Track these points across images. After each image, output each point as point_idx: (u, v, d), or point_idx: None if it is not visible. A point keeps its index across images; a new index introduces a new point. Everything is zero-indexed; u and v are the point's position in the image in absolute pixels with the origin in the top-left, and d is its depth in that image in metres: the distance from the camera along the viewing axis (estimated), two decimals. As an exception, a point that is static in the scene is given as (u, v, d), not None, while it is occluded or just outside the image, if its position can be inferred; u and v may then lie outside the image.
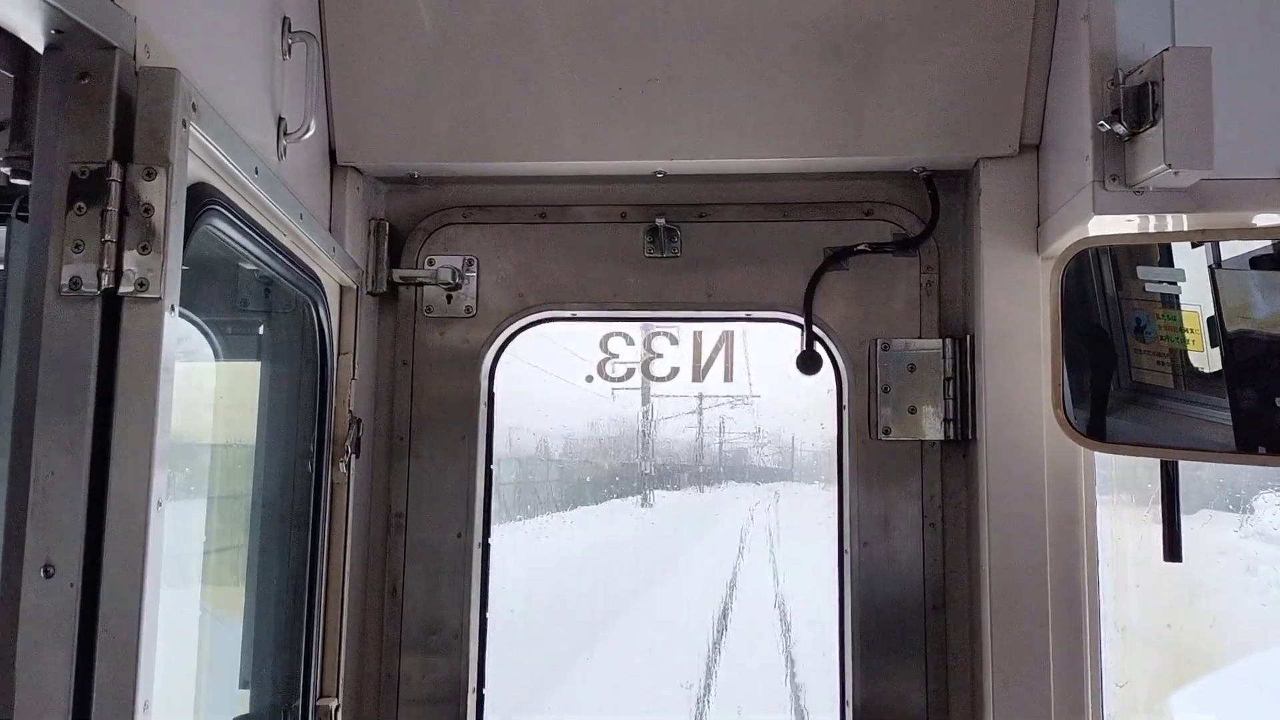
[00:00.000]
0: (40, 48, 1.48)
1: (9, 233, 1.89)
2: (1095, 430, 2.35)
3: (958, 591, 2.68)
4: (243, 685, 2.57)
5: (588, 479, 3.47)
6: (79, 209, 1.46)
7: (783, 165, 2.72)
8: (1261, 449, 2.30)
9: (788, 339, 2.82)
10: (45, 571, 1.42)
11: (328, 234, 2.49)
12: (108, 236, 1.46)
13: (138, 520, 1.45)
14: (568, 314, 2.90)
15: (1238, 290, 2.26)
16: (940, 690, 2.66)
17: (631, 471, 3.42)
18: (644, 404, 3.15)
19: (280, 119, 2.23)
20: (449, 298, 2.87)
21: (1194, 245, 2.27)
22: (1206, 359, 2.26)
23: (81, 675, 1.43)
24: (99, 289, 1.46)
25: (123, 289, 1.48)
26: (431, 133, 2.68)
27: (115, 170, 1.48)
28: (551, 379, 3.08)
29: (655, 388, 3.04)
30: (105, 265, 1.46)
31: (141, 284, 1.48)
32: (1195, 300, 2.28)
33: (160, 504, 1.48)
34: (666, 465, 3.48)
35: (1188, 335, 2.28)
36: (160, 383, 1.48)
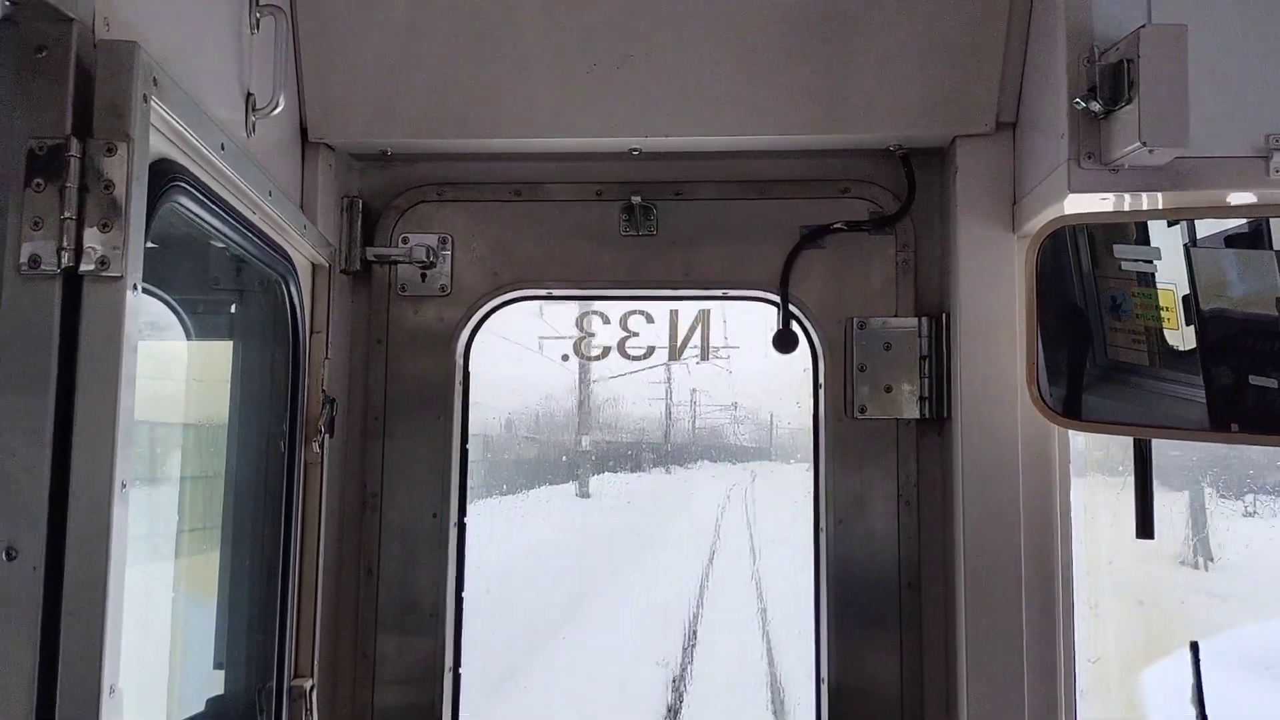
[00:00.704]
0: None
1: (-35, 210, 1.85)
2: (1069, 408, 2.35)
3: (932, 569, 2.69)
4: (216, 666, 2.56)
5: (563, 458, 3.47)
6: (37, 185, 1.43)
7: (759, 143, 2.70)
8: (1235, 426, 2.31)
9: (764, 317, 2.81)
10: (8, 554, 1.40)
11: (299, 211, 2.46)
12: (67, 214, 1.43)
13: (102, 502, 1.43)
14: (543, 292, 2.88)
15: (1213, 268, 2.26)
16: (915, 666, 2.67)
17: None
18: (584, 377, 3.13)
19: (249, 94, 2.19)
20: (423, 276, 2.84)
21: (1169, 224, 2.27)
22: (1181, 337, 2.27)
23: (46, 659, 1.41)
24: (59, 267, 1.44)
25: (83, 267, 1.45)
26: (405, 109, 2.65)
27: (74, 146, 1.45)
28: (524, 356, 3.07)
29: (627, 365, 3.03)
30: (65, 243, 1.43)
31: (103, 262, 1.45)
32: (1171, 278, 2.28)
33: (125, 485, 1.45)
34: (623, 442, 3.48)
35: (1163, 313, 2.29)
36: (123, 362, 1.46)
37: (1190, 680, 2.28)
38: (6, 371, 1.41)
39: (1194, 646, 2.33)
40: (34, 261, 1.43)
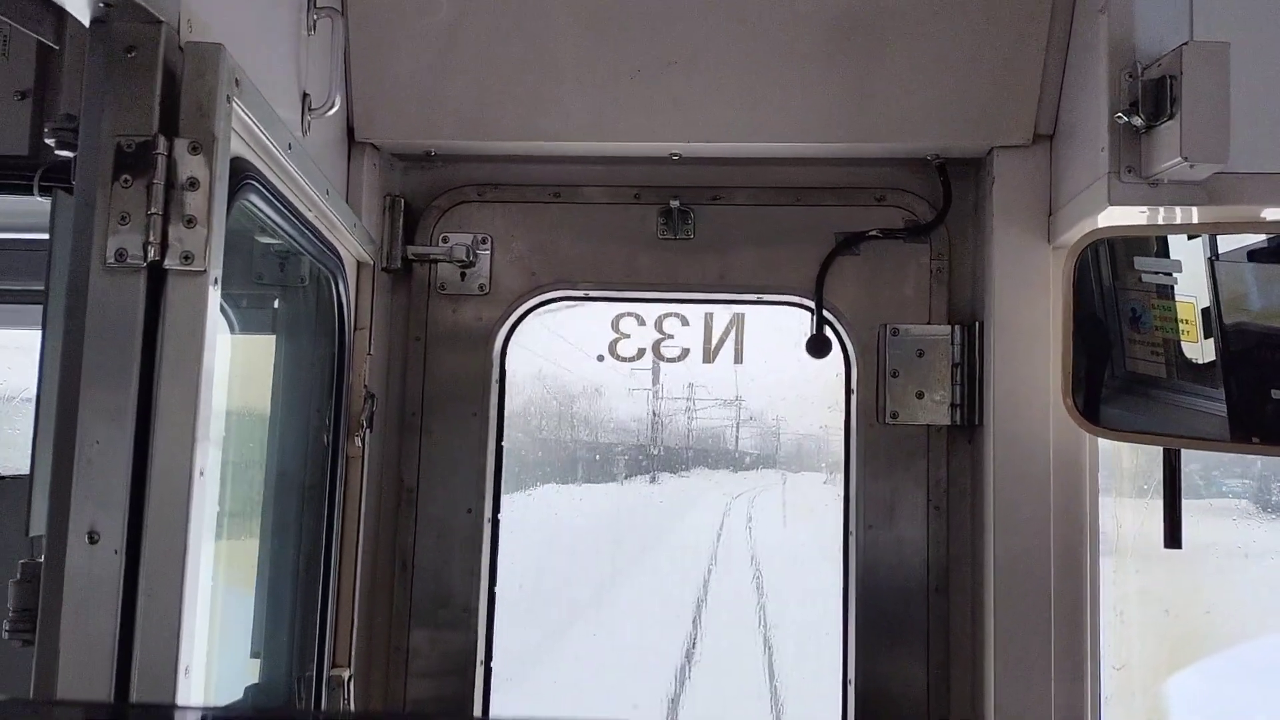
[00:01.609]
0: (86, 20, 1.49)
1: (54, 204, 1.90)
2: (1103, 418, 2.38)
3: (961, 575, 2.73)
4: (254, 655, 2.60)
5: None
6: (125, 181, 1.48)
7: (797, 150, 2.74)
8: (1256, 439, 2.35)
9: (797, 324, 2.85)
10: (90, 537, 1.45)
11: (349, 209, 2.50)
12: (153, 209, 1.48)
13: (180, 489, 1.48)
14: (580, 294, 2.92)
15: (1235, 283, 2.30)
16: (942, 672, 2.71)
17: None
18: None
19: (305, 95, 2.24)
20: (462, 275, 2.88)
21: (1206, 236, 2.30)
22: (1200, 350, 2.30)
23: (124, 641, 1.46)
24: (145, 261, 1.48)
25: (168, 262, 1.50)
26: (448, 111, 2.69)
27: (161, 144, 1.50)
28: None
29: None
30: (151, 238, 1.48)
31: (186, 257, 1.50)
32: (1191, 291, 2.31)
33: (203, 473, 1.50)
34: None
35: (1181, 326, 2.32)
36: (204, 354, 1.50)
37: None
38: (92, 362, 1.46)
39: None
40: (120, 255, 1.47)
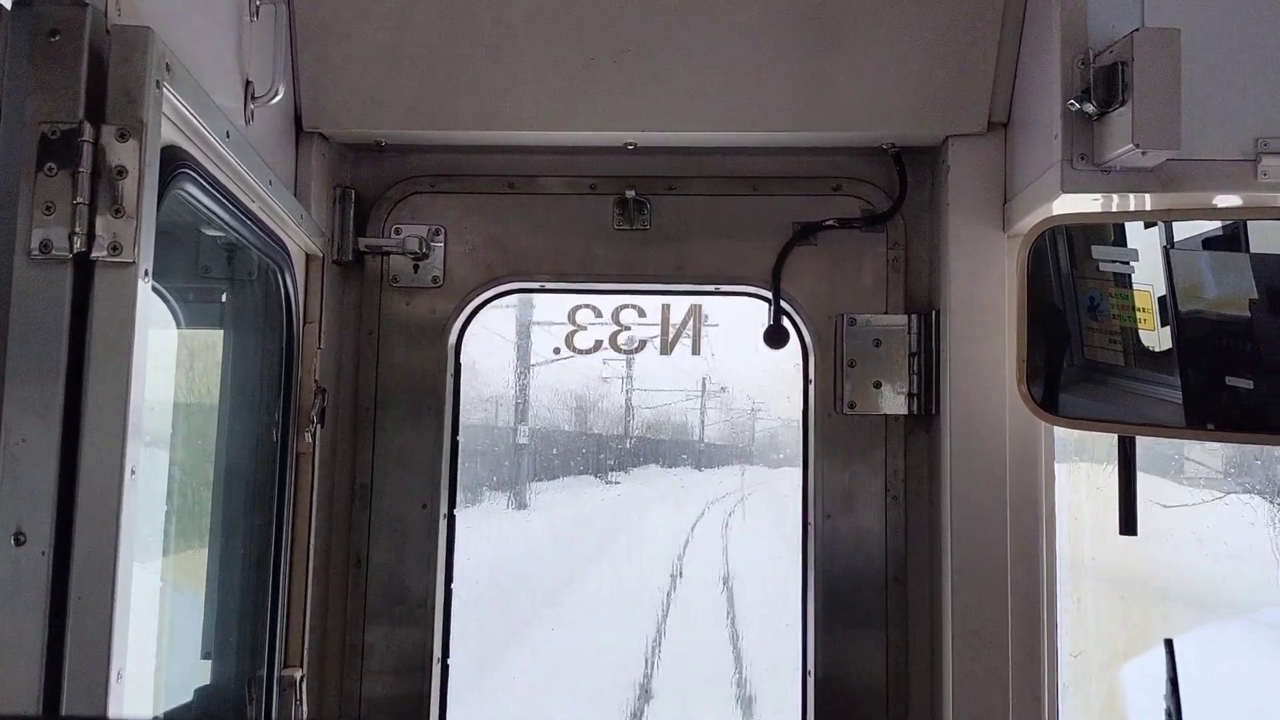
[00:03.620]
0: (8, 3, 1.43)
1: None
2: (1057, 406, 2.39)
3: (919, 564, 2.73)
4: (204, 656, 2.55)
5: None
6: (49, 170, 1.43)
7: (753, 139, 2.72)
8: (1211, 425, 2.36)
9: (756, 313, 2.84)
10: (16, 539, 1.40)
11: (296, 201, 2.45)
12: (79, 199, 1.43)
13: (111, 487, 1.43)
14: (536, 285, 2.88)
15: (1190, 271, 2.31)
16: (900, 660, 2.71)
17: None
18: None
19: (248, 82, 2.19)
20: (415, 267, 2.84)
21: (1162, 224, 2.31)
22: (1157, 337, 2.31)
23: (53, 645, 1.41)
24: (71, 252, 1.43)
25: (95, 253, 1.45)
26: (399, 99, 2.64)
27: (87, 131, 1.44)
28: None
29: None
30: (77, 228, 1.43)
31: (114, 248, 1.45)
32: (1148, 279, 2.32)
33: (134, 471, 1.45)
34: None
35: (1138, 314, 2.33)
36: (134, 348, 1.45)
37: (1165, 677, 2.31)
38: (17, 357, 1.41)
39: (1169, 644, 2.36)
40: (45, 247, 1.42)
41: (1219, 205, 2.30)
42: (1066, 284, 2.38)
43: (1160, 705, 2.29)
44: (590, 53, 2.60)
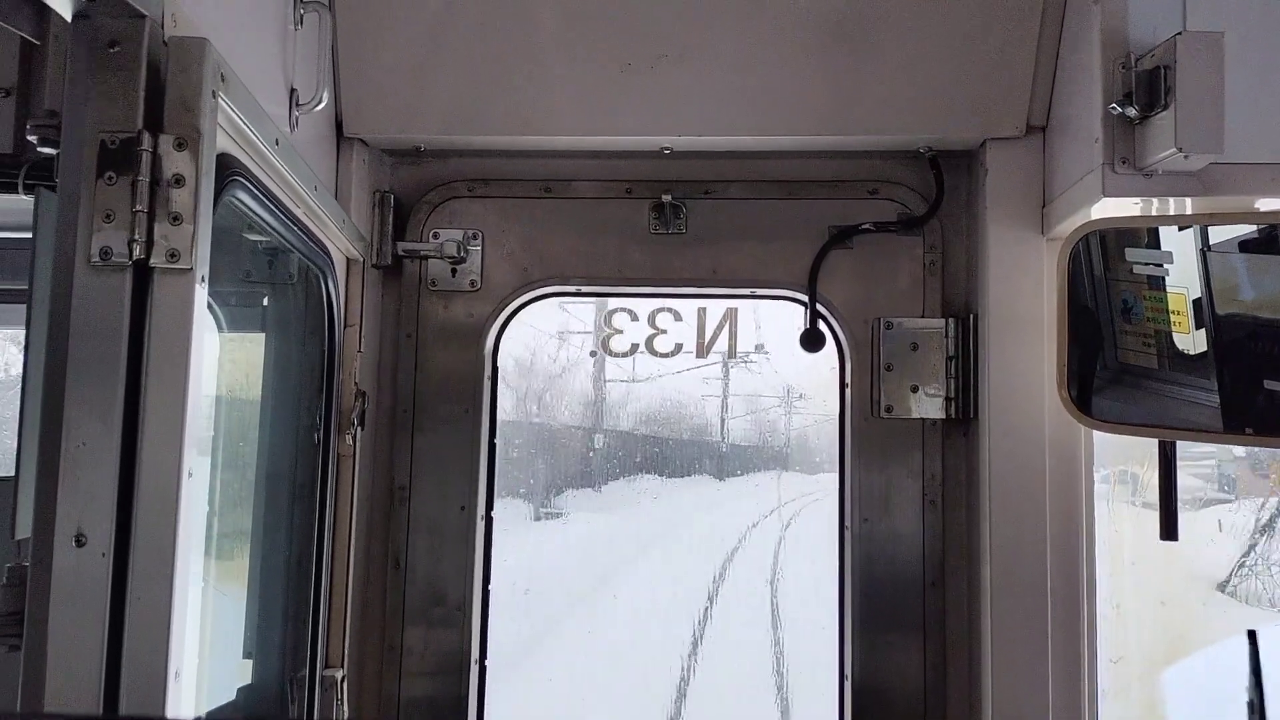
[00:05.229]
0: (69, 15, 1.46)
1: (38, 202, 1.87)
2: (1098, 410, 2.38)
3: (956, 569, 2.72)
4: (246, 655, 2.58)
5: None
6: (109, 178, 1.45)
7: (789, 143, 2.73)
8: (1249, 430, 2.34)
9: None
10: (77, 541, 1.43)
11: (338, 206, 2.48)
12: (139, 206, 1.45)
13: (169, 489, 1.45)
14: (572, 289, 2.90)
15: (1228, 273, 2.29)
16: (938, 665, 2.70)
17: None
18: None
19: (293, 90, 2.22)
20: (453, 271, 2.86)
21: (1198, 229, 2.30)
22: (1192, 340, 2.30)
23: (113, 645, 1.44)
24: (130, 259, 1.46)
25: (154, 260, 1.47)
26: (437, 105, 2.67)
27: (146, 140, 1.47)
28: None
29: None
30: (136, 235, 1.45)
31: (172, 255, 1.48)
32: (1182, 282, 2.31)
33: (191, 474, 1.48)
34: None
35: (1173, 317, 2.32)
36: (191, 353, 1.48)
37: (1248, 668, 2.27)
38: (78, 362, 1.44)
39: (1252, 635, 2.33)
40: (105, 254, 1.45)
41: (1261, 209, 2.28)
42: (1101, 287, 2.37)
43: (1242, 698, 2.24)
44: (626, 59, 2.61)
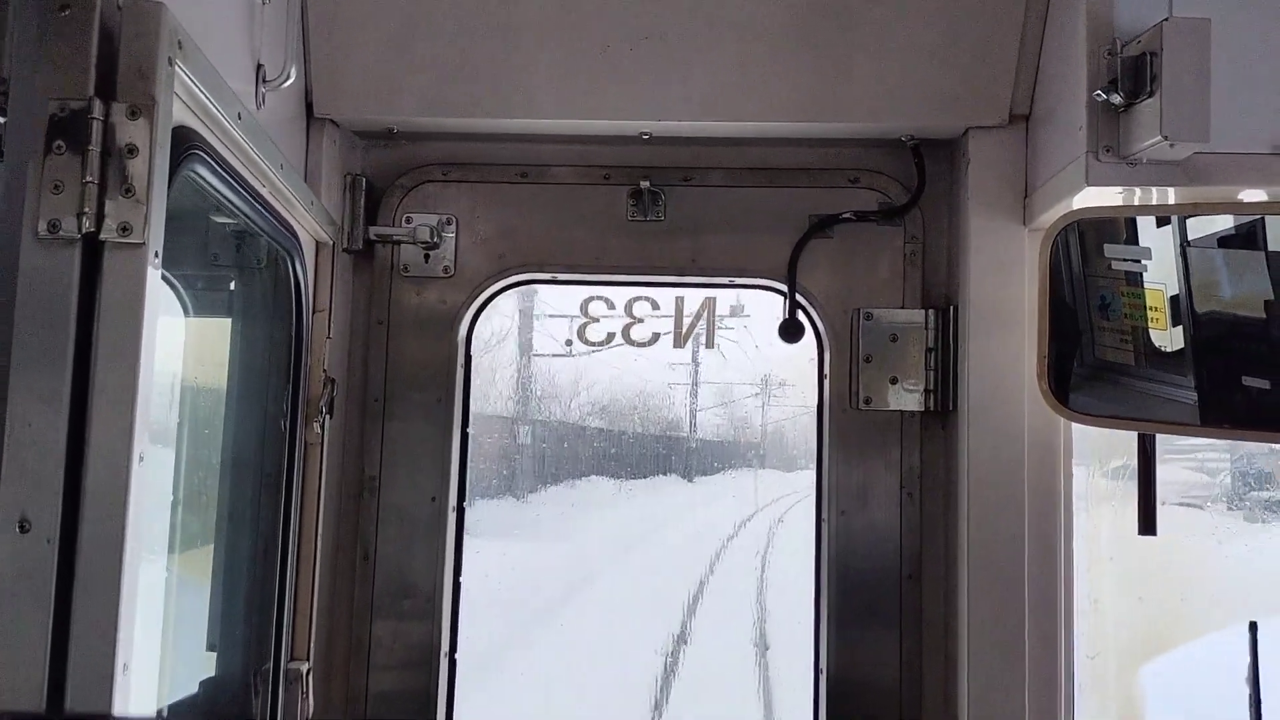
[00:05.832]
0: None
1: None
2: (1078, 403, 2.35)
3: (933, 562, 2.69)
4: (210, 648, 2.52)
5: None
6: (58, 148, 1.39)
7: (770, 130, 2.68)
8: (1228, 424, 2.33)
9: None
10: (20, 526, 1.36)
11: (306, 187, 2.42)
12: (89, 178, 1.39)
13: (119, 474, 1.39)
14: (548, 276, 2.85)
15: (1207, 269, 2.27)
16: (914, 658, 2.67)
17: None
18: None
19: (259, 65, 2.15)
20: (426, 257, 2.80)
21: (1175, 222, 2.27)
22: (1169, 336, 2.28)
23: (58, 636, 1.38)
24: (79, 233, 1.40)
25: (104, 234, 1.41)
26: (411, 86, 2.61)
27: (97, 108, 1.41)
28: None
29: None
30: (86, 208, 1.39)
31: (124, 229, 1.41)
32: (1160, 279, 2.29)
33: (142, 458, 1.42)
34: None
35: (1150, 313, 2.30)
36: (143, 331, 1.42)
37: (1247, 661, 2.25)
38: (24, 339, 1.37)
39: (1253, 626, 2.31)
40: (53, 227, 1.39)
41: (1245, 200, 2.25)
42: (1080, 283, 2.34)
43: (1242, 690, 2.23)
44: (606, 41, 2.56)
